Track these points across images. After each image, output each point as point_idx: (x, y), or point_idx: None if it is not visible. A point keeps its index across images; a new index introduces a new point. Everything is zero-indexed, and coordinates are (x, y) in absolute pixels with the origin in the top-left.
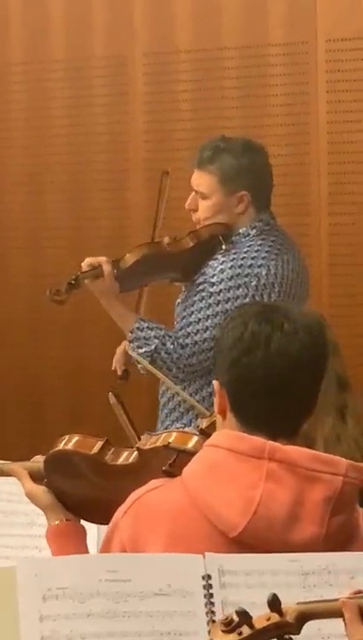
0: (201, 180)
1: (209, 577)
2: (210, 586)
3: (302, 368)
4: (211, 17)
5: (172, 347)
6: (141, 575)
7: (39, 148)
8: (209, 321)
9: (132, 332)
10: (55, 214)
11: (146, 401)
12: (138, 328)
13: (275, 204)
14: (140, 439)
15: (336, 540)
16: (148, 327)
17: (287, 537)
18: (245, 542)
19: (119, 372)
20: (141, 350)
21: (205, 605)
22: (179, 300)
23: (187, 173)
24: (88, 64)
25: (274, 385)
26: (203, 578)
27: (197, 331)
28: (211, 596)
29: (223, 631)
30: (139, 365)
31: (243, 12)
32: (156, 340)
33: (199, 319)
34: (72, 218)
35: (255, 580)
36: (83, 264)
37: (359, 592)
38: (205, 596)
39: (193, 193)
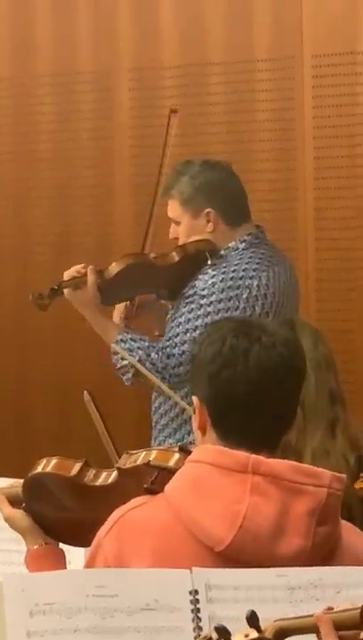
0: (170, 208)
1: (196, 592)
2: (197, 601)
3: (281, 381)
4: (196, 32)
5: (156, 356)
6: (129, 590)
7: (25, 162)
8: (197, 332)
9: (116, 344)
10: (41, 227)
11: (133, 412)
12: (121, 340)
13: (261, 219)
14: (111, 437)
15: (322, 551)
16: (131, 339)
17: (274, 550)
18: (231, 556)
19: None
20: (124, 362)
21: (193, 620)
22: (168, 317)
23: None
24: (74, 79)
25: (254, 398)
26: (190, 593)
27: (185, 341)
28: (198, 610)
29: None
30: (126, 377)
31: (228, 27)
32: (140, 352)
33: (187, 329)
34: (58, 231)
35: (243, 595)
36: (65, 273)
37: (330, 608)
38: (192, 610)
39: (172, 224)
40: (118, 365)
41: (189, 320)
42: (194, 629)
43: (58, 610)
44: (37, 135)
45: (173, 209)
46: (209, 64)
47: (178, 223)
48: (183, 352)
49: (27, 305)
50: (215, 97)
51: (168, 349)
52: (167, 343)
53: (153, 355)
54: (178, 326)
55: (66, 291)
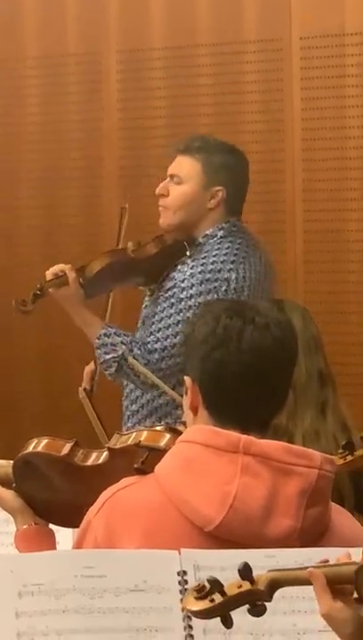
0: (183, 165)
1: (185, 573)
2: (186, 582)
3: (274, 361)
4: (185, 14)
5: (139, 352)
6: (117, 571)
7: (13, 144)
8: (179, 326)
9: (98, 339)
10: (28, 209)
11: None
12: (104, 334)
13: (250, 201)
14: (107, 433)
15: (311, 533)
16: (114, 333)
17: (263, 531)
18: (221, 536)
19: (83, 387)
20: (107, 356)
21: (181, 601)
22: (146, 304)
23: (160, 172)
24: (62, 61)
25: (247, 378)
26: (178, 574)
27: (167, 336)
28: (186, 591)
29: (196, 598)
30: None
31: (217, 9)
32: (123, 346)
33: (169, 324)
34: (45, 214)
35: (231, 576)
36: (47, 273)
37: (326, 561)
38: (180, 591)
39: (167, 179)
40: (101, 360)
41: (170, 315)
42: (182, 610)
43: (46, 590)
44: (25, 117)
45: (188, 168)
46: (197, 45)
47: (181, 183)
48: (165, 347)
49: (12, 287)
50: (204, 78)
51: (150, 345)
52: (149, 338)
53: (136, 350)
54: (159, 321)
55: (51, 290)
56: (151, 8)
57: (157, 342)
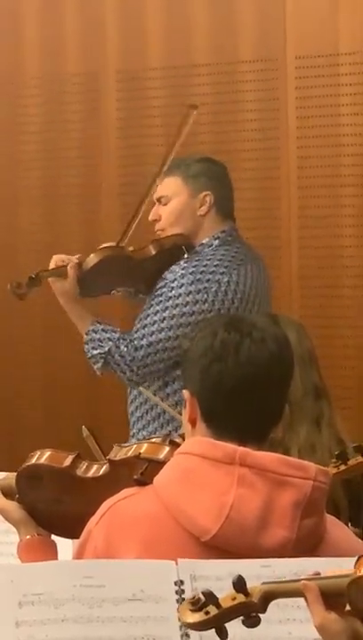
0: (165, 186)
1: (182, 582)
2: (183, 591)
3: (270, 375)
4: (182, 34)
5: (125, 349)
6: (115, 581)
7: (14, 162)
8: (165, 322)
9: (87, 334)
10: (29, 226)
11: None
12: (93, 330)
13: (246, 217)
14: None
15: (306, 543)
16: (102, 329)
17: (259, 541)
18: (217, 546)
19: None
20: (95, 352)
21: (178, 611)
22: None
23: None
24: (62, 80)
25: (244, 391)
26: (175, 583)
27: (153, 332)
28: (183, 601)
29: (191, 610)
30: (96, 366)
31: (213, 29)
32: (110, 343)
33: (155, 321)
34: (46, 231)
35: (227, 586)
36: (53, 258)
37: (318, 574)
38: (177, 601)
39: (155, 205)
40: (89, 355)
41: (156, 312)
42: (179, 619)
43: (46, 600)
44: (26, 135)
45: (169, 186)
46: (194, 65)
47: (166, 203)
48: (151, 343)
49: (14, 302)
50: (201, 97)
51: (136, 341)
52: (135, 335)
53: (122, 347)
54: (146, 318)
55: (48, 279)
56: (149, 29)
57: (143, 338)
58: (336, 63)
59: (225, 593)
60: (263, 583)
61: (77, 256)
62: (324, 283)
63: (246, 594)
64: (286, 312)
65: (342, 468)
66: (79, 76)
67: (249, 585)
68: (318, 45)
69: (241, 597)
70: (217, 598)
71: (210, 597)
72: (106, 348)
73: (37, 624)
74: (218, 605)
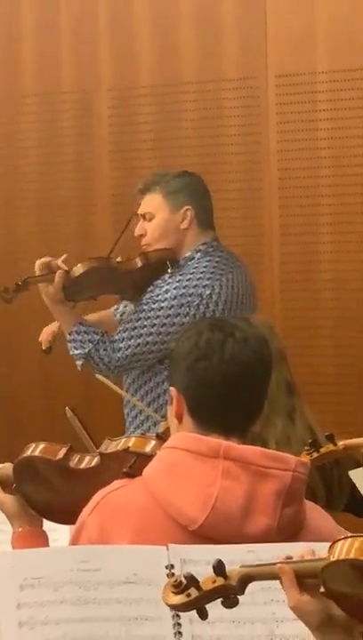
0: (147, 202)
1: (172, 566)
2: (173, 574)
3: (252, 372)
4: (169, 55)
5: (105, 352)
6: (110, 565)
7: (11, 176)
8: (145, 329)
9: (70, 334)
10: (27, 237)
11: (112, 413)
12: (75, 331)
13: (230, 225)
14: (97, 447)
15: (288, 530)
16: (85, 331)
17: (243, 529)
18: (204, 535)
19: (44, 347)
20: (76, 352)
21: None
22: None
23: None
24: (57, 98)
25: (229, 387)
26: (167, 567)
27: (132, 336)
28: (165, 586)
29: (173, 592)
30: (78, 362)
31: (199, 50)
32: (90, 344)
33: (135, 327)
34: (42, 240)
35: None
36: (37, 263)
37: (290, 558)
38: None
39: (141, 221)
40: (71, 353)
41: (139, 319)
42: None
43: (45, 583)
44: (23, 150)
45: (151, 202)
46: (181, 83)
47: (150, 219)
48: (129, 346)
49: (10, 309)
50: (187, 114)
51: (116, 344)
52: (116, 337)
53: (101, 350)
54: (128, 322)
55: (34, 285)
56: (138, 50)
57: (122, 342)
58: (314, 81)
59: (205, 576)
60: (241, 566)
61: (62, 257)
62: (303, 286)
63: (225, 577)
64: (269, 315)
65: (315, 455)
66: (73, 94)
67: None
68: (297, 65)
69: (220, 580)
70: (198, 581)
71: (191, 580)
72: (86, 350)
73: (37, 606)
74: (199, 588)
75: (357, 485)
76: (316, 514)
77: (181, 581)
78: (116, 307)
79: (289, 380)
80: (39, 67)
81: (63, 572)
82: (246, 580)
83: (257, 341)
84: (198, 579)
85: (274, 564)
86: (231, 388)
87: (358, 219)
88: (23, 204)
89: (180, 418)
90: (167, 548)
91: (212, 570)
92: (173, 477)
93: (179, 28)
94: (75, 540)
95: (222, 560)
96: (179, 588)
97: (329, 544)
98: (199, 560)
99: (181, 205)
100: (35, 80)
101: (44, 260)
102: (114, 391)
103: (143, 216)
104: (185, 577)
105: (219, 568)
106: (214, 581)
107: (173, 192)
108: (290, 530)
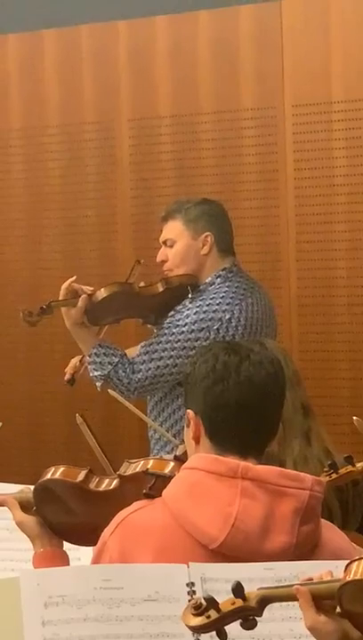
0: (168, 229)
1: (193, 584)
2: (194, 592)
3: (268, 394)
4: (188, 86)
5: (124, 374)
6: (133, 583)
7: (36, 204)
8: (166, 352)
9: (90, 356)
10: (51, 262)
11: (136, 435)
12: (95, 353)
13: (248, 252)
14: (104, 452)
15: (304, 548)
16: (104, 353)
17: (262, 547)
18: (224, 553)
19: (66, 378)
20: (96, 373)
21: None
22: None
23: None
24: (79, 129)
25: (245, 409)
26: (187, 585)
27: (152, 359)
28: (185, 608)
29: (193, 614)
30: (97, 384)
31: (217, 80)
32: (109, 366)
33: (156, 350)
34: (66, 266)
35: None
36: (63, 287)
37: (310, 579)
38: (189, 601)
39: (162, 247)
40: (90, 374)
41: (159, 342)
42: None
43: (69, 601)
44: (47, 179)
45: (172, 229)
46: (200, 114)
47: (172, 245)
48: (149, 369)
49: (38, 333)
50: (206, 143)
51: (136, 365)
52: (136, 359)
53: (121, 372)
54: (149, 345)
55: (63, 309)
56: (158, 81)
57: (142, 364)
58: (330, 110)
59: (225, 598)
60: (259, 589)
61: (90, 289)
62: (320, 310)
63: (244, 598)
64: (287, 338)
65: (334, 476)
66: (95, 125)
67: (252, 586)
68: (313, 95)
69: (239, 602)
70: (217, 603)
71: (211, 602)
72: (106, 371)
73: (62, 623)
74: (218, 610)
75: None
76: (331, 532)
77: (200, 603)
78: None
79: (305, 402)
80: (63, 99)
81: (87, 590)
82: (264, 601)
83: (271, 364)
84: (218, 600)
85: (291, 585)
86: (247, 409)
87: None
88: (47, 230)
89: (197, 440)
90: (188, 567)
91: (231, 590)
92: (194, 497)
93: (197, 59)
94: (96, 561)
95: (242, 577)
96: (199, 609)
97: (344, 562)
98: (219, 578)
99: (202, 232)
100: (59, 112)
101: (69, 283)
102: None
103: (165, 242)
104: (205, 599)
105: (238, 590)
106: (234, 603)
107: (193, 219)
108: (307, 547)
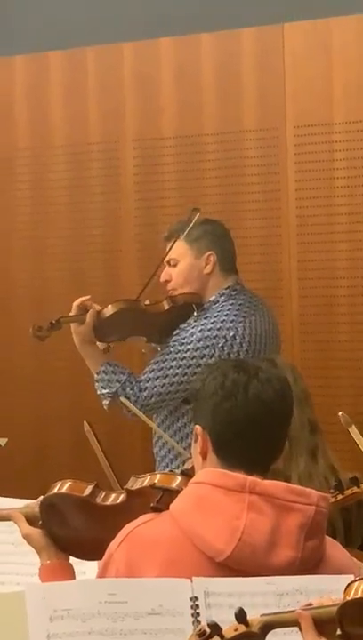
0: (172, 249)
1: (196, 598)
2: (197, 606)
3: (275, 411)
4: (192, 107)
5: (131, 392)
6: (136, 597)
7: (42, 222)
8: (171, 370)
9: (97, 374)
10: (56, 281)
11: (140, 451)
12: (103, 371)
13: (251, 270)
14: (109, 462)
15: (309, 562)
16: (112, 371)
17: (268, 561)
18: (230, 566)
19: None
20: (104, 391)
21: (193, 623)
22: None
23: None
24: (85, 149)
25: (252, 426)
26: (191, 599)
27: (158, 377)
28: (198, 615)
29: None
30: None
31: (220, 102)
32: (117, 384)
33: (162, 368)
34: (71, 283)
35: (236, 601)
36: (74, 304)
37: (310, 605)
38: (192, 615)
39: (166, 267)
40: (98, 392)
41: (165, 360)
42: None
43: (74, 615)
44: (53, 198)
45: (177, 249)
46: (203, 135)
47: (175, 265)
48: (155, 386)
49: (43, 349)
50: (209, 163)
51: (142, 383)
52: (143, 377)
53: (128, 390)
54: (155, 363)
55: (73, 326)
56: (162, 103)
57: (148, 382)
58: (331, 132)
59: (227, 614)
60: (262, 615)
61: (94, 310)
62: (321, 329)
63: (247, 624)
64: (289, 356)
65: (340, 497)
66: (100, 145)
67: (254, 600)
68: (315, 116)
69: (242, 628)
70: (221, 629)
71: (214, 628)
72: (113, 389)
73: (66, 636)
74: (221, 636)
75: None
76: (335, 549)
77: (204, 630)
78: None
79: (312, 420)
80: (68, 119)
81: (91, 604)
82: (267, 627)
83: (279, 382)
84: (221, 626)
85: (293, 611)
86: (255, 426)
87: None
88: (52, 249)
89: (204, 455)
90: (191, 581)
91: (238, 601)
92: (201, 511)
93: (201, 81)
94: (102, 574)
95: (244, 591)
96: (203, 636)
97: (346, 577)
98: (222, 592)
99: (204, 251)
100: (64, 132)
101: (81, 301)
102: (142, 430)
103: (168, 262)
104: (209, 625)
105: (241, 616)
106: (236, 629)
107: (195, 239)
108: (312, 562)
